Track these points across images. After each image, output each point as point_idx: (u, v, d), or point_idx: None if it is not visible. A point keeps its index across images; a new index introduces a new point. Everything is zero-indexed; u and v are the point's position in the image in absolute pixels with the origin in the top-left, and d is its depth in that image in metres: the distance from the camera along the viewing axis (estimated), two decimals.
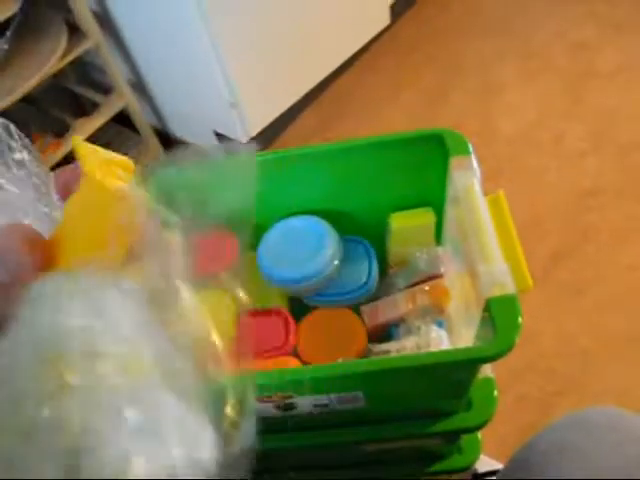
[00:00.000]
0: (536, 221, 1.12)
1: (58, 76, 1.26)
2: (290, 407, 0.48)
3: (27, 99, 1.11)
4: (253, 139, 1.33)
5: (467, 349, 0.46)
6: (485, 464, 0.82)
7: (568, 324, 0.98)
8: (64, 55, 1.11)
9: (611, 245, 1.06)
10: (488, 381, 0.53)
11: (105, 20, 1.28)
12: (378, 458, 0.68)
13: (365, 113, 1.45)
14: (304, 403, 0.48)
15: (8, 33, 1.03)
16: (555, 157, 1.23)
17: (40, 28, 1.13)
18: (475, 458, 0.66)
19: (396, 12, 1.61)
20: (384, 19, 1.58)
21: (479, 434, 0.66)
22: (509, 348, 0.40)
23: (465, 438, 0.65)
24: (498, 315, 0.41)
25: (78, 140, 0.25)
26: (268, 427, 0.53)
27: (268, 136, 1.39)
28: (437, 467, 0.67)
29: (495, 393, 0.52)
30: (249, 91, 1.25)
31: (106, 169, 0.24)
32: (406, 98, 1.45)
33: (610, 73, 1.37)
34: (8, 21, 1.03)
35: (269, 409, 0.48)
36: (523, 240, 0.47)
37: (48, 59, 1.06)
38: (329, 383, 0.46)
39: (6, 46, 1.04)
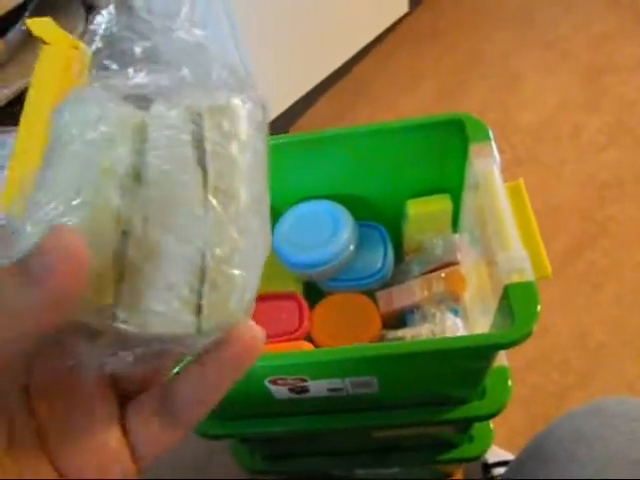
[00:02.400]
0: (553, 213, 1.11)
1: None
2: (304, 390, 0.48)
3: None
4: (269, 125, 1.32)
5: (485, 335, 0.45)
6: (495, 454, 0.82)
7: (584, 317, 0.97)
8: (81, 36, 1.11)
9: (629, 238, 1.05)
10: (503, 370, 0.52)
11: (130, 9, 1.28)
12: (389, 445, 0.68)
13: (381, 102, 1.44)
14: (318, 387, 0.48)
15: (26, 14, 1.03)
16: (574, 149, 1.21)
17: (58, 9, 1.13)
18: (486, 448, 0.66)
19: (414, 0, 1.60)
20: (402, 7, 1.57)
21: (491, 424, 0.66)
22: (527, 335, 0.39)
23: (477, 427, 0.64)
24: (516, 302, 0.41)
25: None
26: (282, 409, 0.53)
27: (283, 123, 1.39)
28: (448, 456, 0.67)
29: (510, 382, 0.52)
30: (264, 78, 1.24)
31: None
32: (423, 88, 1.44)
33: (631, 66, 1.35)
34: (26, 3, 1.03)
35: (283, 392, 0.48)
36: (540, 232, 0.46)
37: None
38: (343, 367, 0.45)
39: (24, 27, 1.04)
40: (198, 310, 0.20)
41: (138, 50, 0.24)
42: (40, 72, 0.29)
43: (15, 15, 1.01)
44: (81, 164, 0.20)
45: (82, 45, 0.27)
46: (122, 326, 0.19)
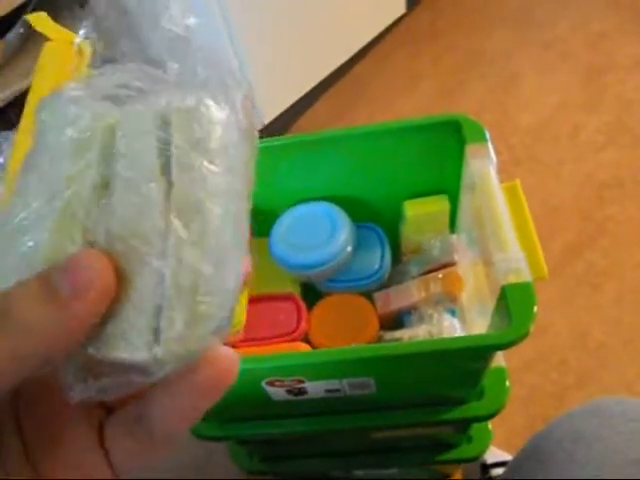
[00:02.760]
0: (552, 214, 1.11)
1: None
2: (301, 392, 0.48)
3: None
4: (267, 126, 1.32)
5: (482, 336, 0.45)
6: (494, 455, 0.82)
7: (583, 317, 0.97)
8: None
9: (628, 238, 1.05)
10: (500, 371, 0.52)
11: (121, 5, 1.28)
12: (387, 446, 0.68)
13: (380, 103, 1.44)
14: (315, 388, 0.48)
15: (24, 17, 1.04)
16: (572, 149, 1.21)
17: (55, 12, 1.13)
18: (485, 448, 0.66)
19: (412, 0, 1.60)
20: (399, 7, 1.57)
21: (489, 424, 0.66)
22: (524, 335, 0.39)
23: (475, 428, 0.64)
24: (513, 302, 0.41)
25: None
26: (280, 411, 0.53)
27: (281, 124, 1.39)
28: (446, 456, 0.67)
29: (507, 383, 0.52)
30: (262, 78, 1.24)
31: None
32: (422, 88, 1.44)
33: (630, 65, 1.35)
34: (24, 5, 1.03)
35: (281, 394, 0.48)
36: (538, 232, 0.46)
37: None
38: (341, 368, 0.45)
39: (22, 30, 1.04)
40: (157, 337, 0.18)
41: (125, 47, 0.23)
42: (40, 69, 0.29)
43: (13, 18, 1.02)
44: (52, 170, 0.19)
45: (82, 41, 0.27)
46: (86, 347, 0.18)
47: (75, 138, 0.20)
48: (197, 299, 0.19)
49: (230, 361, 0.20)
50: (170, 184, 0.19)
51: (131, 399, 0.21)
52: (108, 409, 0.22)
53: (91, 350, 0.18)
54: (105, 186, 0.19)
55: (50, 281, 0.17)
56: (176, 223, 0.19)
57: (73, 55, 0.28)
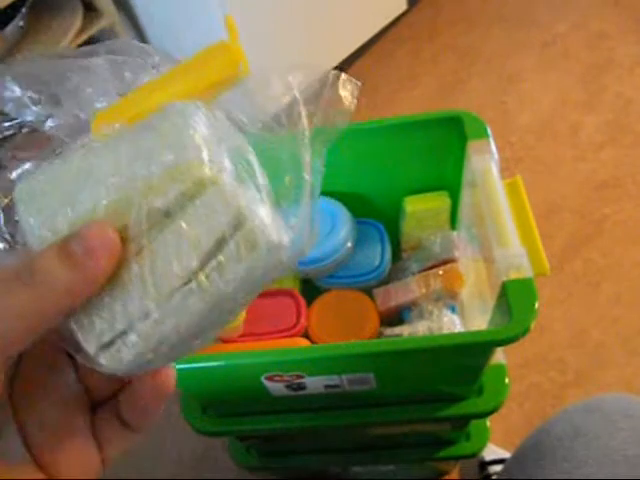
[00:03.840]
0: (551, 212, 1.11)
1: None
2: (301, 387, 0.48)
3: None
4: None
5: (482, 332, 0.45)
6: (492, 452, 0.82)
7: (582, 316, 0.97)
8: (78, 34, 1.10)
9: (627, 238, 1.05)
10: (500, 367, 0.52)
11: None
12: (387, 442, 0.68)
13: (380, 100, 1.44)
14: (315, 384, 0.48)
15: (24, 10, 1.03)
16: (572, 148, 1.21)
17: (55, 6, 1.12)
18: (483, 446, 0.66)
19: None
20: (400, 5, 1.56)
21: (488, 422, 0.66)
22: (524, 331, 0.39)
23: (473, 425, 0.64)
24: (514, 298, 0.41)
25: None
26: (279, 407, 0.53)
27: None
28: (445, 453, 0.67)
29: (507, 380, 0.52)
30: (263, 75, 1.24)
31: None
32: (422, 86, 1.44)
33: (630, 64, 1.35)
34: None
35: (280, 389, 0.48)
36: (538, 231, 0.46)
37: (62, 38, 1.06)
38: (340, 363, 0.45)
39: (22, 23, 1.04)
40: (111, 344, 0.21)
41: None
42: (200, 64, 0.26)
43: (12, 11, 1.01)
44: (147, 159, 0.21)
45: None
46: (70, 319, 0.21)
47: (172, 161, 0.21)
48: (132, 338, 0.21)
49: (166, 376, 0.23)
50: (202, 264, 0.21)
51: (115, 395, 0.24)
52: (95, 402, 0.24)
53: (72, 322, 0.21)
54: (167, 214, 0.21)
55: (68, 244, 0.20)
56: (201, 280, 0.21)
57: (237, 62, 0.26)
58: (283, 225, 0.23)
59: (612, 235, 1.06)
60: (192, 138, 0.21)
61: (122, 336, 0.21)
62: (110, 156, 0.22)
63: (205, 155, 0.21)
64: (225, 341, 0.57)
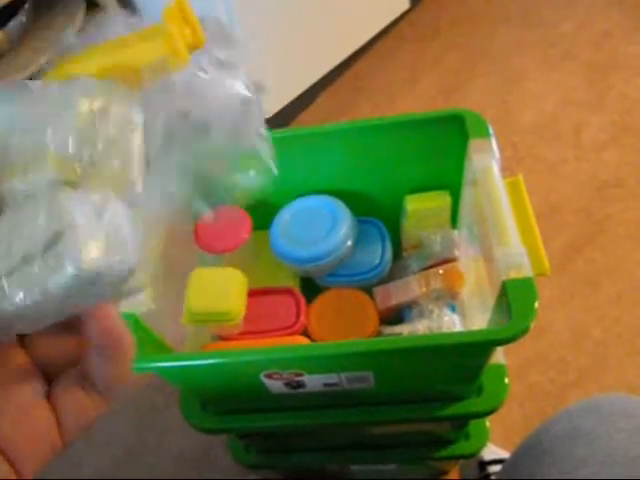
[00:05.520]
0: (553, 212, 1.11)
1: None
2: (300, 385, 0.48)
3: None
4: (268, 121, 1.32)
5: (482, 331, 0.45)
6: (491, 452, 0.82)
7: (582, 316, 0.97)
8: (80, 30, 1.10)
9: (628, 238, 1.05)
10: (500, 367, 0.52)
11: None
12: (385, 442, 0.68)
13: (382, 99, 1.44)
14: (314, 382, 0.48)
15: (26, 6, 1.03)
16: (574, 148, 1.21)
17: (58, 2, 1.12)
18: (482, 445, 0.66)
19: None
20: (403, 4, 1.56)
21: (487, 421, 0.66)
22: (524, 331, 0.39)
23: (473, 425, 0.64)
24: (514, 298, 0.41)
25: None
26: (278, 404, 0.53)
27: (283, 119, 1.38)
28: (444, 453, 0.67)
29: (506, 380, 0.52)
30: (264, 73, 1.24)
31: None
32: (424, 85, 1.43)
33: (634, 64, 1.34)
34: None
35: (279, 386, 0.48)
36: (540, 230, 0.46)
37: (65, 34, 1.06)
38: (339, 361, 0.45)
39: (24, 19, 1.03)
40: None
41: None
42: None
43: (15, 7, 1.01)
44: None
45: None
46: None
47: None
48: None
49: (105, 317, 0.23)
50: None
51: (75, 363, 0.25)
52: (51, 374, 0.25)
53: None
54: None
55: None
56: None
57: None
58: (116, 243, 0.23)
59: (614, 235, 1.06)
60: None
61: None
62: None
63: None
64: (224, 338, 0.57)
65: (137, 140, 0.24)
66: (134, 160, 0.24)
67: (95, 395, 0.24)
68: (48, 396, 0.24)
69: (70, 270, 0.20)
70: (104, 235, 0.22)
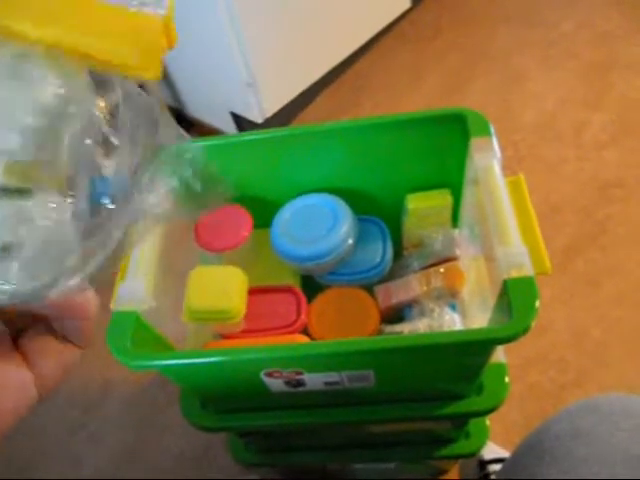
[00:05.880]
0: (553, 212, 1.10)
1: None
2: (300, 384, 0.48)
3: None
4: (269, 120, 1.32)
5: (482, 329, 0.45)
6: (492, 451, 0.82)
7: (583, 316, 0.97)
8: None
9: (629, 238, 1.05)
10: (500, 366, 0.52)
11: None
12: (386, 440, 0.68)
13: (382, 98, 1.44)
14: (314, 380, 0.48)
15: None
16: (575, 147, 1.21)
17: None
18: (482, 444, 0.66)
19: None
20: (404, 3, 1.56)
21: (487, 421, 0.66)
22: (525, 330, 0.39)
23: (473, 424, 0.64)
24: (515, 297, 0.41)
25: None
26: (278, 403, 0.53)
27: (284, 118, 1.38)
28: (444, 452, 0.67)
29: (507, 379, 0.52)
30: (266, 71, 1.24)
31: None
32: (425, 85, 1.43)
33: (634, 64, 1.34)
34: None
35: (280, 385, 0.48)
36: (540, 230, 0.46)
37: None
38: (340, 360, 0.45)
39: None
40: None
41: None
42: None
43: None
44: None
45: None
46: None
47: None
48: None
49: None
50: None
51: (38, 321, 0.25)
52: (19, 328, 0.25)
53: None
54: None
55: None
56: None
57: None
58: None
59: (614, 235, 1.06)
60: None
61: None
62: None
63: None
64: (225, 337, 0.57)
65: (70, 130, 0.23)
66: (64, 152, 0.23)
67: (67, 342, 0.24)
68: (18, 349, 0.24)
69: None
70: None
